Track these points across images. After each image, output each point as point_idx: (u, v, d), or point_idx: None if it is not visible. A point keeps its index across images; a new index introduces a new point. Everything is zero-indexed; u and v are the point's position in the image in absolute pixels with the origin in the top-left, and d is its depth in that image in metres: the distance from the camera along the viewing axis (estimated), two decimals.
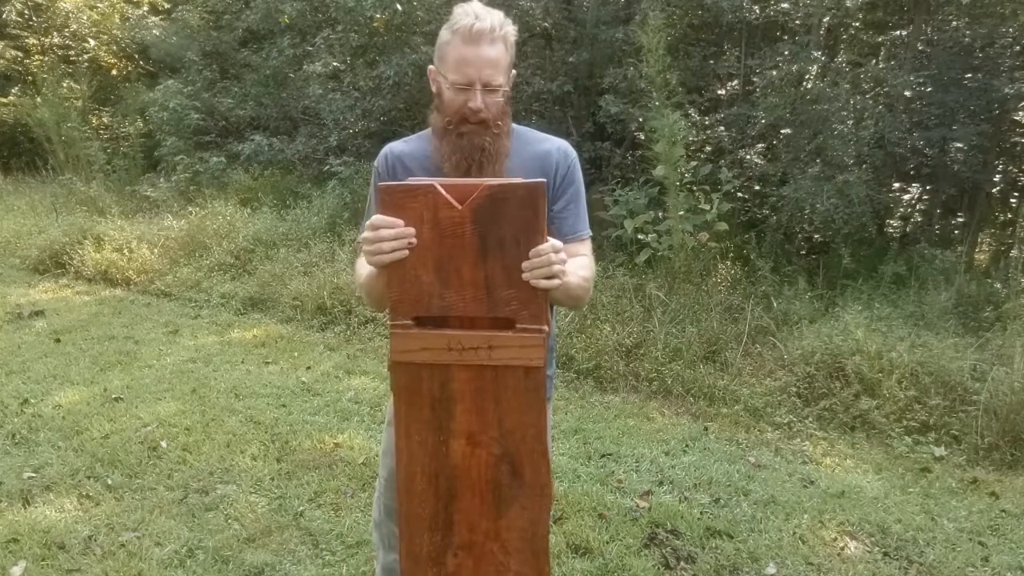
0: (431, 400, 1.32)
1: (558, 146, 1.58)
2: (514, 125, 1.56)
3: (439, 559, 1.39)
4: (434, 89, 1.50)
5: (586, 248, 1.64)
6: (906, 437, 3.54)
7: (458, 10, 1.42)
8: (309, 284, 5.52)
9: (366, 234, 1.27)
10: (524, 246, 1.24)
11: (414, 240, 1.26)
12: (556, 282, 1.25)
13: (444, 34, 1.44)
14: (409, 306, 1.29)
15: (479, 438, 1.33)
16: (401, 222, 1.25)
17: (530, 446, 1.34)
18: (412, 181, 1.30)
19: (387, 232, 1.25)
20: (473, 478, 1.35)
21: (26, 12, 11.29)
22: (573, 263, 1.54)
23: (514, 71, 1.50)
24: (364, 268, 1.47)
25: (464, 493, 1.36)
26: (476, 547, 1.38)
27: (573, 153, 1.59)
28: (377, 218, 1.26)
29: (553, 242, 1.25)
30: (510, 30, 1.44)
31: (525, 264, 1.24)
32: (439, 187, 1.25)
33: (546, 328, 1.29)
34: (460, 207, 1.24)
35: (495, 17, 1.41)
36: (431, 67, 1.50)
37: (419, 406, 1.33)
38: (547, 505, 1.37)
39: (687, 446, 3.51)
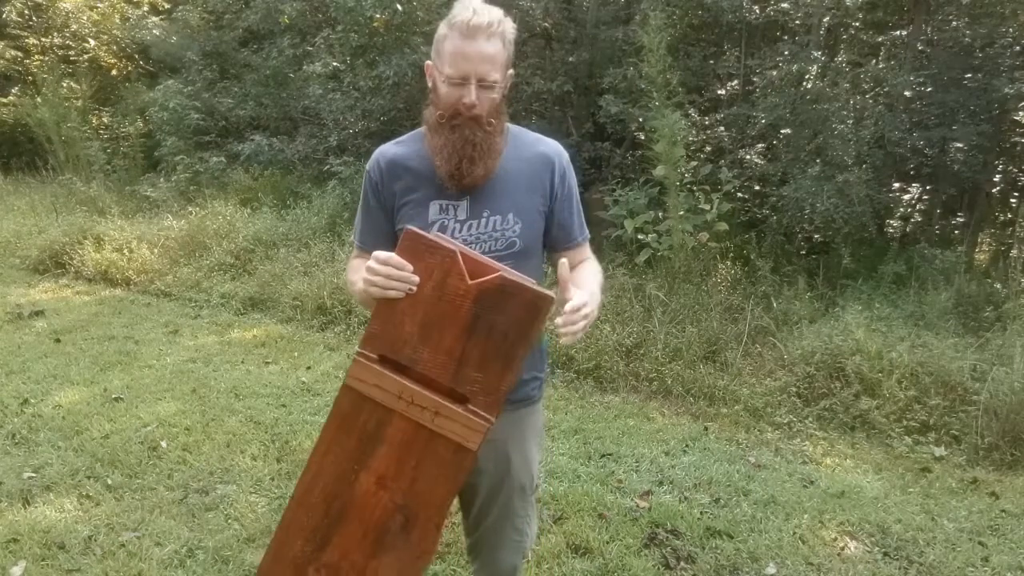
0: (361, 432, 1.38)
1: (555, 149, 1.59)
2: (510, 125, 1.55)
3: (301, 569, 1.44)
4: (430, 84, 1.50)
5: (588, 250, 1.66)
6: (906, 437, 3.54)
7: (457, 6, 1.42)
8: (309, 284, 5.52)
9: (373, 264, 1.31)
10: (511, 342, 1.31)
11: (414, 289, 1.31)
12: (577, 336, 1.31)
13: (442, 28, 1.44)
14: (383, 344, 1.35)
15: (388, 484, 1.39)
16: (411, 268, 1.30)
17: (429, 513, 1.39)
18: (438, 237, 1.34)
19: (395, 272, 1.29)
20: (366, 513, 1.40)
21: (26, 12, 11.29)
22: (584, 271, 1.58)
23: (512, 70, 1.50)
24: (359, 278, 1.49)
25: (352, 522, 1.41)
26: (340, 572, 1.43)
27: (567, 154, 1.61)
28: (393, 257, 1.30)
29: (574, 301, 1.31)
30: (508, 27, 1.44)
31: (559, 320, 1.29)
32: (459, 255, 1.29)
33: (493, 420, 1.35)
34: (470, 282, 1.29)
35: (493, 13, 1.41)
36: (428, 62, 1.50)
37: (349, 433, 1.38)
38: (419, 569, 1.43)
39: (687, 446, 3.51)
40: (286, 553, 1.44)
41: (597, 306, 1.45)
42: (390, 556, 1.42)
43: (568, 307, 1.30)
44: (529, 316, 1.30)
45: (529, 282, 1.31)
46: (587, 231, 1.67)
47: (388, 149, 1.58)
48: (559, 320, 1.30)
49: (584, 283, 1.49)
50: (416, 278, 1.30)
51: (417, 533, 1.40)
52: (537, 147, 1.57)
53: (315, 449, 1.41)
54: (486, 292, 1.29)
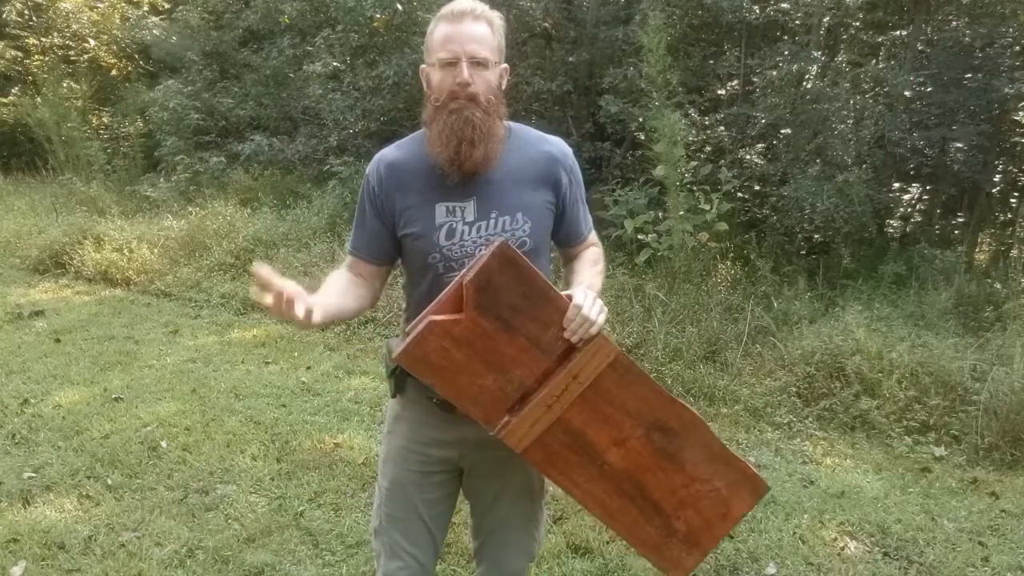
0: (568, 450, 1.40)
1: (560, 147, 1.58)
2: (512, 124, 1.55)
3: (670, 531, 1.49)
4: (425, 86, 1.50)
5: (594, 237, 1.69)
6: (906, 437, 3.54)
7: (443, 6, 1.46)
8: (309, 284, 5.51)
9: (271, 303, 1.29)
10: (533, 290, 1.32)
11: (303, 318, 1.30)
12: (599, 324, 1.34)
13: (429, 27, 1.47)
14: (496, 411, 1.36)
15: (621, 437, 1.42)
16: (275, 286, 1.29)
17: (659, 404, 1.43)
18: (408, 331, 1.34)
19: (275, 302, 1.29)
20: (642, 463, 1.44)
21: (26, 12, 11.28)
22: (580, 262, 1.63)
23: (506, 65, 1.50)
24: (326, 280, 1.53)
25: (646, 477, 1.45)
26: (686, 499, 1.48)
27: (571, 150, 1.60)
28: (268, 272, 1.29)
29: (575, 300, 1.33)
30: (496, 17, 1.46)
31: (566, 334, 1.33)
32: (434, 317, 1.30)
33: (596, 330, 1.37)
34: (463, 315, 1.30)
35: (478, 3, 1.45)
36: (422, 67, 1.51)
37: (568, 463, 1.41)
38: (705, 428, 1.48)
39: None
40: (653, 542, 1.49)
41: (598, 289, 1.47)
42: (688, 452, 1.46)
43: (566, 320, 1.32)
44: (513, 268, 1.30)
45: (481, 255, 1.32)
46: (591, 222, 1.68)
47: (388, 153, 1.56)
48: (566, 334, 1.33)
49: (578, 279, 1.53)
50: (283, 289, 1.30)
51: (674, 423, 1.44)
52: (542, 145, 1.56)
53: (571, 494, 1.45)
54: (477, 303, 1.30)
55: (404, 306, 1.67)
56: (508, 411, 1.36)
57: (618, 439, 1.42)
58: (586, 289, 1.37)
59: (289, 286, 1.29)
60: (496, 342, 1.32)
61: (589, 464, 1.42)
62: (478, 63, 1.41)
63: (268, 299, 1.29)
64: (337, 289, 1.52)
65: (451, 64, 1.41)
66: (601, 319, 1.35)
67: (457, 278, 1.34)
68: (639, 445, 1.43)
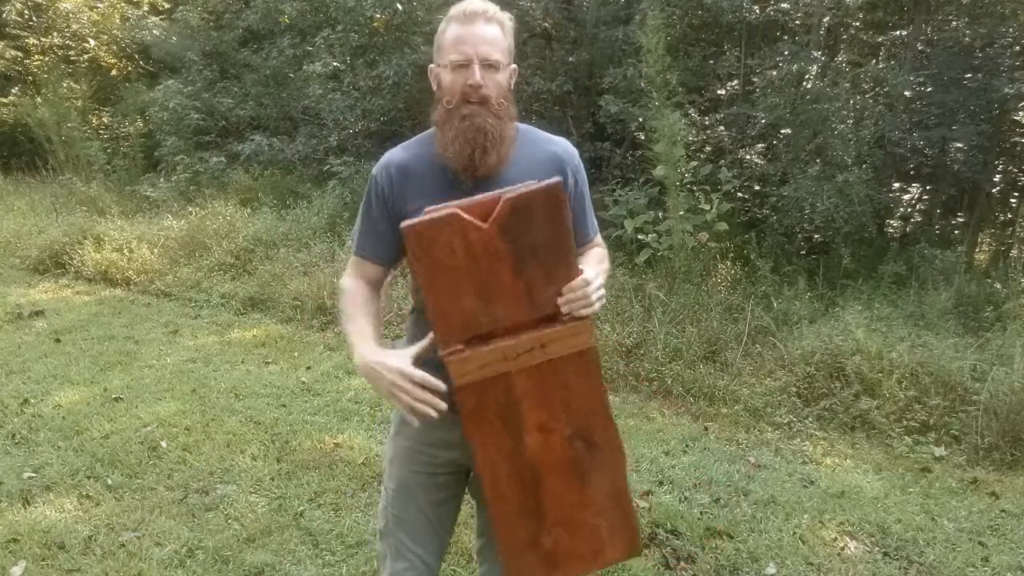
0: (497, 411, 1.37)
1: (565, 148, 1.58)
2: (519, 124, 1.55)
3: (536, 542, 1.45)
4: (435, 86, 1.49)
5: (599, 240, 1.69)
6: (906, 437, 3.54)
7: (455, 7, 1.46)
8: (309, 284, 5.52)
9: (405, 384, 1.30)
10: (557, 243, 1.30)
11: (436, 416, 1.30)
12: (595, 308, 1.34)
13: (440, 27, 1.46)
14: (458, 330, 1.32)
15: (549, 426, 1.40)
16: (444, 389, 1.30)
17: (597, 419, 1.42)
18: (430, 209, 1.29)
19: (429, 398, 1.30)
20: (552, 460, 1.42)
21: (26, 12, 11.27)
22: (591, 257, 1.62)
23: (515, 66, 1.50)
24: (347, 313, 1.52)
25: (548, 477, 1.42)
26: (568, 520, 1.46)
27: (576, 151, 1.61)
28: (429, 380, 1.29)
29: (585, 275, 1.33)
30: (507, 18, 1.46)
31: (561, 300, 1.32)
32: (461, 212, 1.26)
33: (589, 313, 1.36)
34: (486, 226, 1.26)
35: (490, 4, 1.45)
36: (431, 66, 1.50)
37: (489, 420, 1.37)
38: (623, 463, 1.47)
39: (687, 446, 3.51)
40: (517, 544, 1.45)
41: (604, 277, 1.49)
42: (596, 475, 1.44)
43: (567, 287, 1.32)
44: (553, 210, 1.29)
45: (530, 184, 1.29)
46: (596, 224, 1.68)
47: (396, 154, 1.55)
48: (561, 300, 1.32)
49: (587, 263, 1.53)
50: (443, 405, 1.30)
51: (600, 440, 1.43)
52: (549, 147, 1.56)
53: (475, 454, 1.40)
54: (506, 222, 1.27)
55: (410, 307, 1.66)
56: (466, 342, 1.32)
57: (545, 427, 1.39)
58: (597, 273, 1.38)
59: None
60: (499, 269, 1.29)
61: (507, 436, 1.38)
62: (490, 65, 1.41)
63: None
64: (372, 312, 1.55)
65: (463, 66, 1.40)
66: (598, 305, 1.35)
67: (497, 191, 1.30)
68: (559, 444, 1.41)
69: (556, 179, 1.30)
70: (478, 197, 1.30)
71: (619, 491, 1.47)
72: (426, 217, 1.27)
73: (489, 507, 1.44)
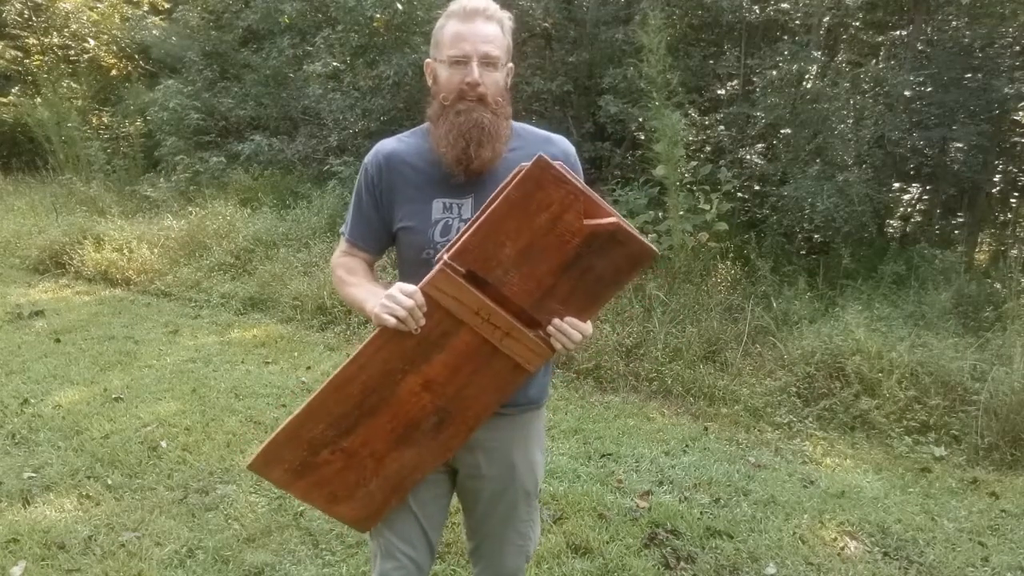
0: (423, 337, 1.34)
1: (562, 146, 1.58)
2: (515, 123, 1.55)
3: (315, 448, 1.43)
4: (430, 81, 1.49)
5: None
6: (906, 437, 3.55)
7: (454, 4, 1.46)
8: (309, 284, 5.52)
9: (398, 296, 1.30)
10: (603, 285, 1.34)
11: (418, 330, 1.32)
12: (562, 350, 1.37)
13: (439, 22, 1.46)
14: (475, 260, 1.30)
15: (434, 388, 1.39)
16: (422, 304, 1.30)
17: (467, 417, 1.43)
18: (565, 171, 1.28)
19: (417, 313, 1.30)
20: (402, 410, 1.41)
21: (26, 12, 11.28)
22: None
23: (512, 65, 1.50)
24: (355, 281, 1.52)
25: (383, 415, 1.41)
26: (355, 457, 1.45)
27: (573, 150, 1.60)
28: (417, 294, 1.30)
29: (587, 327, 1.37)
30: (506, 17, 1.46)
31: (556, 322, 1.34)
32: (584, 195, 1.27)
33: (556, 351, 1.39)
34: (585, 222, 1.28)
35: (490, 2, 1.45)
36: (427, 60, 1.50)
37: (409, 335, 1.34)
38: (436, 464, 1.49)
39: (687, 446, 3.51)
40: (304, 433, 1.43)
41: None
42: (412, 450, 1.45)
43: (580, 325, 1.34)
44: (629, 266, 1.32)
45: (640, 234, 1.31)
46: None
47: (388, 144, 1.55)
48: (550, 330, 1.34)
49: None
50: (421, 321, 1.31)
51: (448, 433, 1.43)
52: (546, 145, 1.55)
53: (369, 342, 1.36)
54: (597, 235, 1.27)
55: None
56: (470, 274, 1.31)
57: (431, 384, 1.39)
58: (590, 331, 1.41)
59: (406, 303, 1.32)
60: (552, 257, 1.29)
61: (403, 361, 1.37)
62: (488, 63, 1.41)
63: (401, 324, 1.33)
64: (372, 280, 1.57)
65: (461, 63, 1.41)
66: (565, 349, 1.38)
67: (615, 211, 1.30)
68: (422, 405, 1.40)
69: (654, 249, 1.33)
70: (600, 199, 1.30)
71: (406, 479, 1.49)
72: (560, 168, 1.27)
73: (321, 391, 1.40)
